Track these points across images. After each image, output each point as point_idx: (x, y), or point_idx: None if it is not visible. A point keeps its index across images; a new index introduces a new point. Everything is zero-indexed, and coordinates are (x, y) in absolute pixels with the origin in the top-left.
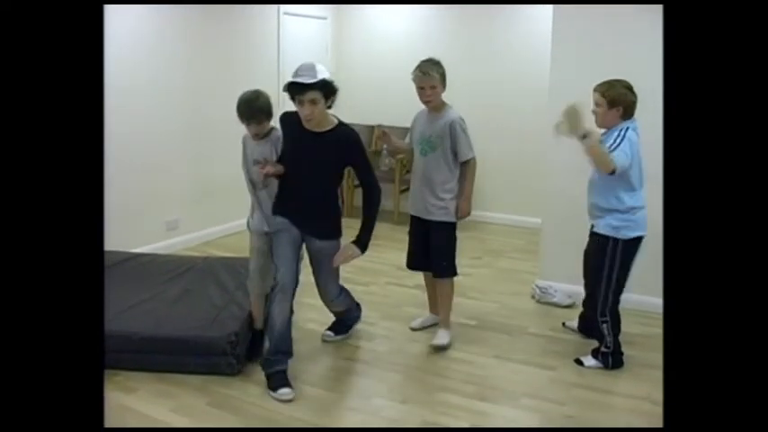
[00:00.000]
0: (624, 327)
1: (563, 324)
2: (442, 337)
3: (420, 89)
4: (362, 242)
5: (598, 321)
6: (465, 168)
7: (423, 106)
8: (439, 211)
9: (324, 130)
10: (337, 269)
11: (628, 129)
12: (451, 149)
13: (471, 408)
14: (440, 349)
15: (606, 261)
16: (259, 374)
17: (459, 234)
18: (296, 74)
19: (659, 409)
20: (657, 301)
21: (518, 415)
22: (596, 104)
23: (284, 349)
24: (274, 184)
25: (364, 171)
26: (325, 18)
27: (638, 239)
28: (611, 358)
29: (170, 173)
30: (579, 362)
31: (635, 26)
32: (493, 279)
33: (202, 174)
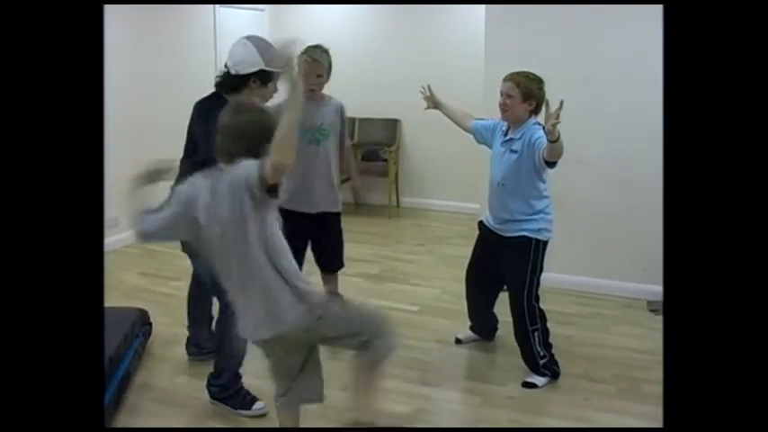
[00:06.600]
0: (560, 307)
1: (457, 340)
2: None
3: (305, 76)
4: None
5: (528, 332)
6: (346, 151)
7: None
8: (336, 203)
9: None
10: None
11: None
12: (340, 134)
13: (413, 392)
14: None
15: (530, 266)
16: None
17: (402, 222)
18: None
19: (598, 386)
20: (591, 281)
21: (459, 397)
22: (508, 95)
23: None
24: None
25: None
26: (262, 10)
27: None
28: (553, 366)
29: (108, 168)
30: (531, 384)
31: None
32: (435, 265)
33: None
